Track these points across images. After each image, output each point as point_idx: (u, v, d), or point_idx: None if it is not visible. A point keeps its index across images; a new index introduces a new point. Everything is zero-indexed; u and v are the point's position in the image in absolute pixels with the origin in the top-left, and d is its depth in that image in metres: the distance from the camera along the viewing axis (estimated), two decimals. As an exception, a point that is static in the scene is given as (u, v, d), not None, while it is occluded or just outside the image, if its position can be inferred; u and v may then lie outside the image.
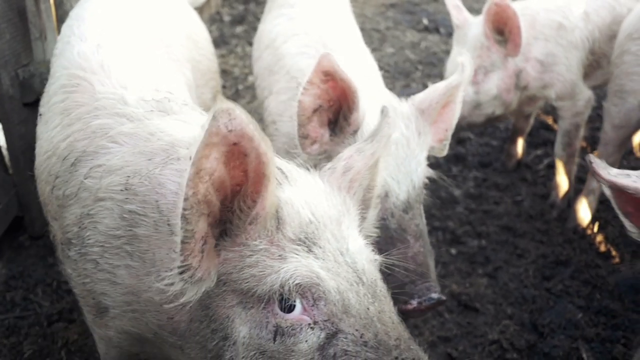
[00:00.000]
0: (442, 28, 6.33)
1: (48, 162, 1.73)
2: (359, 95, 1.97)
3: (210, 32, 6.45)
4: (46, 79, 3.14)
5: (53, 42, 3.40)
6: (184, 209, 1.11)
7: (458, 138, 4.42)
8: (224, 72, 5.21)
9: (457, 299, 2.98)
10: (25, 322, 2.73)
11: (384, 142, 1.45)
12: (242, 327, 1.25)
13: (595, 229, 3.49)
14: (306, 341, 1.21)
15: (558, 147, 3.59)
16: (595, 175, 1.70)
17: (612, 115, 3.22)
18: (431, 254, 2.06)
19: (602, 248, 3.35)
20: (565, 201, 3.66)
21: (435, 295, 1.92)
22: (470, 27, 3.30)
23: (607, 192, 1.81)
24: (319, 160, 2.06)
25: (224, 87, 4.98)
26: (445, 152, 2.30)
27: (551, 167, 4.03)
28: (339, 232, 1.28)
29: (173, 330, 1.39)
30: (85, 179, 1.50)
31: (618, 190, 1.71)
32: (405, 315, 1.92)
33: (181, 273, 1.17)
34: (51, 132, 1.73)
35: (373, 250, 1.37)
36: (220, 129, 1.05)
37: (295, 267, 1.20)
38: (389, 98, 2.20)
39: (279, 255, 1.21)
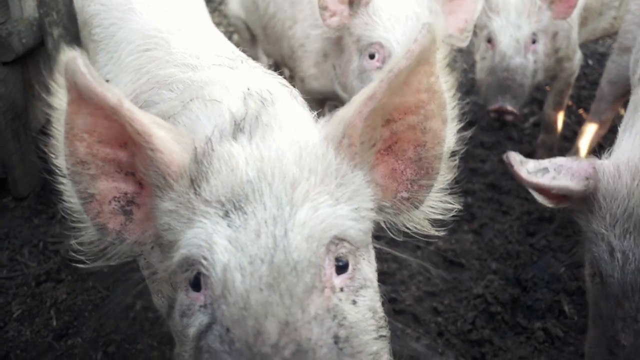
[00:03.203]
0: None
1: None
2: None
3: (193, -11, 6.32)
4: (25, 37, 3.08)
5: (30, -2, 3.29)
6: (67, 169, 1.04)
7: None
8: (208, 31, 5.11)
9: (442, 255, 3.02)
10: (13, 283, 2.73)
11: (386, 83, 1.00)
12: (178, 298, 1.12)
13: (579, 185, 3.52)
14: (194, 326, 1.02)
15: (548, 107, 3.59)
16: (515, 176, 1.68)
17: (609, 71, 3.25)
18: None
19: (586, 204, 3.40)
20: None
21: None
22: None
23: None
24: (340, 34, 2.56)
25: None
26: (465, 44, 2.55)
27: (537, 126, 4.05)
28: (287, 196, 1.00)
29: None
30: None
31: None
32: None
33: (99, 231, 1.10)
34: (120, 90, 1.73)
35: (347, 227, 1.04)
36: (69, 83, 0.94)
37: (195, 234, 1.00)
38: None
39: (188, 219, 1.02)
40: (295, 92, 1.49)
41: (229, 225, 0.98)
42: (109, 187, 1.09)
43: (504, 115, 2.99)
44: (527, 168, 1.65)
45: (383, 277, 2.82)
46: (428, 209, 1.20)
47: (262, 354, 0.89)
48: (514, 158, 1.67)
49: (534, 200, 3.36)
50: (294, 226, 0.98)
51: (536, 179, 1.63)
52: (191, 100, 1.29)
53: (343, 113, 1.07)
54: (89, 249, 1.15)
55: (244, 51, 1.92)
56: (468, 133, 4.12)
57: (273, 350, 0.89)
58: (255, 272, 0.94)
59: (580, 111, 4.29)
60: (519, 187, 3.53)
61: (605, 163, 1.63)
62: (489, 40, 3.09)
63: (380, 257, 1.26)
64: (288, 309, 0.92)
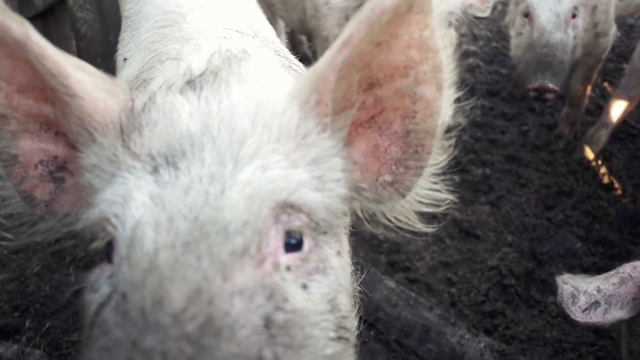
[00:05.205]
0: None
1: None
2: None
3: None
4: (45, -7, 3.06)
5: (51, -47, 3.26)
6: None
7: (467, 65, 4.34)
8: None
9: (458, 226, 3.02)
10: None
11: (365, 25, 0.82)
12: None
13: (600, 161, 3.48)
14: (96, 301, 0.82)
15: (576, 81, 3.49)
16: (570, 318, 1.70)
17: None
18: None
19: (605, 180, 3.36)
20: (573, 132, 3.63)
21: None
22: None
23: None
24: (361, 2, 2.54)
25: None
26: (486, 14, 2.45)
27: (559, 98, 3.98)
28: (232, 153, 0.84)
29: None
30: None
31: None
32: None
33: (25, 200, 0.97)
34: (130, 70, 1.63)
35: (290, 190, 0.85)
36: None
37: (114, 191, 0.84)
38: None
39: (111, 175, 0.86)
40: (293, 61, 1.38)
41: (155, 181, 0.82)
42: (35, 147, 0.96)
43: (545, 94, 2.87)
44: (579, 305, 1.69)
45: (397, 246, 2.84)
46: (416, 198, 1.00)
47: (159, 325, 0.69)
48: (567, 292, 1.68)
49: (553, 174, 3.36)
50: (234, 184, 0.81)
51: (590, 318, 1.69)
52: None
53: (315, 66, 0.89)
54: (15, 223, 1.02)
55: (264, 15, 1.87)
56: (489, 103, 4.12)
57: (173, 321, 0.70)
58: (172, 228, 0.77)
59: (605, 84, 4.21)
60: (539, 160, 3.50)
61: None
62: (526, 15, 2.96)
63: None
64: (204, 273, 0.73)
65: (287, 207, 0.84)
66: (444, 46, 0.90)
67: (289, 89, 0.93)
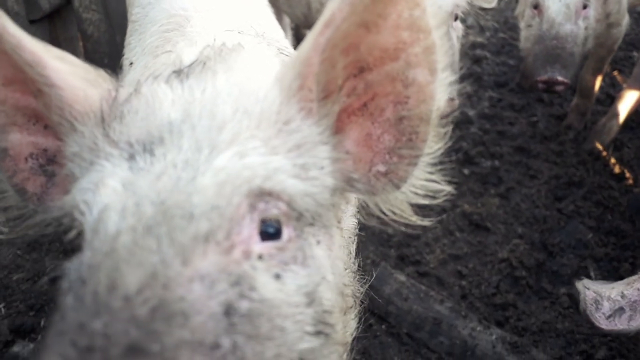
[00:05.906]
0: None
1: None
2: None
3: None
4: (52, -5, 3.07)
5: (57, -45, 3.27)
6: None
7: (474, 57, 4.32)
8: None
9: (468, 219, 3.01)
10: (46, 239, 2.80)
11: (348, 3, 0.79)
12: None
13: (611, 150, 3.45)
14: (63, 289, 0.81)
15: (587, 71, 3.45)
16: (595, 327, 1.67)
17: None
18: None
19: (616, 170, 3.34)
20: (582, 123, 3.61)
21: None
22: None
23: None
24: None
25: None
26: (493, 5, 2.46)
27: (569, 88, 3.95)
28: (211, 139, 0.82)
29: None
30: None
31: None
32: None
33: (18, 194, 0.98)
34: (134, 74, 1.62)
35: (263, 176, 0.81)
36: None
37: (89, 179, 0.82)
38: None
39: (90, 163, 0.85)
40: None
41: (129, 168, 0.80)
42: (24, 141, 0.97)
43: (554, 86, 2.81)
44: (603, 312, 1.65)
45: (407, 239, 2.84)
46: (411, 189, 0.95)
47: (108, 308, 0.67)
48: (590, 298, 1.64)
49: (563, 165, 3.35)
50: (208, 170, 0.78)
51: (615, 325, 1.66)
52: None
53: (298, 50, 0.85)
54: (9, 216, 1.02)
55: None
56: (497, 95, 4.11)
57: (124, 304, 0.67)
58: (138, 212, 0.75)
59: (615, 73, 4.17)
60: (548, 151, 3.48)
61: None
62: (536, 6, 2.91)
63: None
64: (162, 257, 0.71)
65: (265, 194, 0.80)
66: (436, 26, 0.84)
67: (274, 74, 0.89)
